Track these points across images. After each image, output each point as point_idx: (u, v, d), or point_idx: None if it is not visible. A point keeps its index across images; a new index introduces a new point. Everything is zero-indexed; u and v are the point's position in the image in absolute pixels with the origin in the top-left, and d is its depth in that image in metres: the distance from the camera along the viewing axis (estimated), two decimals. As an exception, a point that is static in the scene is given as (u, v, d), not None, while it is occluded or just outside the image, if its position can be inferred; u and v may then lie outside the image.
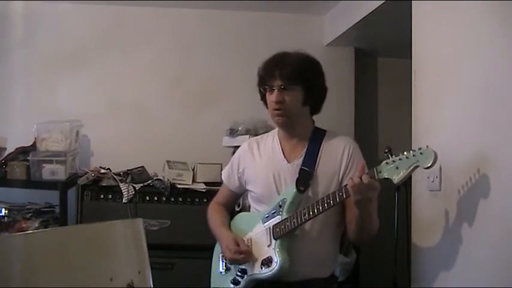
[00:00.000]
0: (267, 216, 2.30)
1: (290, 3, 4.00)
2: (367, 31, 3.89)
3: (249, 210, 2.50)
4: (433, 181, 2.42)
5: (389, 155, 2.04)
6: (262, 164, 2.39)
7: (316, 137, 2.36)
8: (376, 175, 2.04)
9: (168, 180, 3.59)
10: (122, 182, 3.52)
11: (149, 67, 4.14)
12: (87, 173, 3.56)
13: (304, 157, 2.31)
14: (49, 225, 3.50)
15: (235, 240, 2.32)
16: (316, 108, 2.38)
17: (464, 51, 2.31)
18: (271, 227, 2.26)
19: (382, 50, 4.47)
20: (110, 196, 3.50)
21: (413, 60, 2.64)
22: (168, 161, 3.74)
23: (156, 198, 3.53)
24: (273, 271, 2.19)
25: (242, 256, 2.27)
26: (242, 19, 4.21)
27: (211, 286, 2.49)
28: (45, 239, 1.23)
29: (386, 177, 2.03)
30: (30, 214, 3.51)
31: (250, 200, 2.48)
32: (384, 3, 3.30)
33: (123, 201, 3.46)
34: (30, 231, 2.70)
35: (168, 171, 3.66)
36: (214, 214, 2.53)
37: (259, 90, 2.37)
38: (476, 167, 2.15)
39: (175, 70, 4.16)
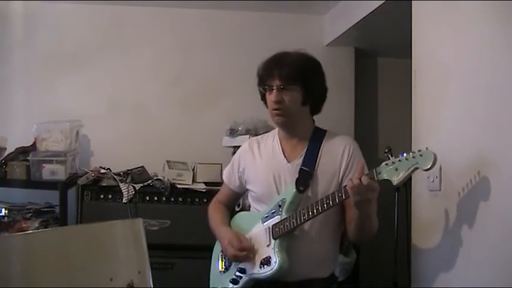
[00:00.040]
0: (267, 216, 2.30)
1: (290, 3, 4.00)
2: (367, 31, 3.89)
3: (249, 210, 2.50)
4: (433, 181, 2.42)
5: (389, 155, 2.04)
6: (263, 164, 2.39)
7: (317, 137, 2.35)
8: (375, 176, 2.05)
9: (168, 180, 3.59)
10: (122, 182, 3.52)
11: (149, 67, 4.14)
12: (87, 173, 3.56)
13: (304, 157, 2.31)
14: (49, 225, 3.51)
15: (238, 236, 2.32)
16: (316, 108, 2.37)
17: (465, 51, 2.31)
18: (271, 227, 2.26)
19: (382, 50, 4.47)
20: (110, 196, 3.50)
21: (413, 60, 2.64)
22: (168, 161, 3.74)
23: (156, 198, 3.53)
24: (272, 271, 2.19)
25: (245, 253, 2.27)
26: (242, 19, 4.21)
27: (211, 286, 2.49)
28: (45, 239, 1.24)
29: (385, 178, 2.03)
30: (30, 214, 3.51)
31: (250, 200, 2.48)
32: (383, 3, 3.30)
33: (123, 201, 3.46)
34: (30, 231, 2.70)
35: (168, 171, 3.66)
36: (214, 213, 2.53)
37: (259, 90, 2.37)
38: (476, 167, 2.15)
39: (176, 70, 4.16)
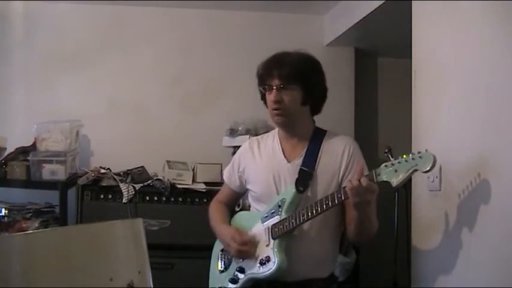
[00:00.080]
0: (266, 216, 2.30)
1: (290, 3, 4.00)
2: (367, 31, 3.89)
3: (249, 210, 2.50)
4: (433, 181, 2.42)
5: (389, 155, 2.04)
6: (263, 164, 2.39)
7: (317, 137, 2.35)
8: (374, 178, 2.05)
9: (168, 180, 3.59)
10: (122, 182, 3.52)
11: (149, 67, 4.14)
12: (87, 173, 3.56)
13: (304, 157, 2.31)
14: (49, 225, 3.50)
15: (239, 232, 2.32)
16: (316, 108, 2.37)
17: (465, 51, 2.31)
18: (270, 227, 2.26)
19: (382, 50, 4.47)
20: (110, 196, 3.50)
21: (413, 60, 2.64)
22: (168, 161, 3.74)
23: (156, 198, 3.53)
24: (270, 271, 2.19)
25: (247, 246, 2.27)
26: (242, 19, 4.21)
27: (210, 285, 2.49)
28: (45, 239, 1.23)
29: (385, 180, 2.04)
30: (30, 214, 3.51)
31: (250, 200, 2.48)
32: (384, 3, 3.30)
33: (123, 201, 3.46)
34: (30, 231, 2.70)
35: (168, 171, 3.66)
36: (215, 212, 2.53)
37: (260, 89, 2.37)
38: (476, 167, 2.15)
39: (176, 70, 4.16)
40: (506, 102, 2.05)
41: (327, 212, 2.17)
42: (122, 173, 3.61)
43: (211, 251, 2.53)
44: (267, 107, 2.35)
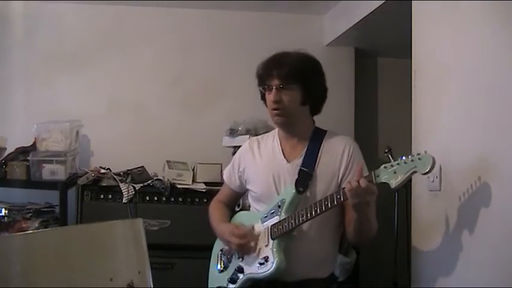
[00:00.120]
0: (266, 216, 2.30)
1: (290, 3, 4.00)
2: (367, 31, 3.89)
3: (249, 210, 2.50)
4: (433, 181, 2.41)
5: (389, 156, 2.04)
6: (263, 164, 2.39)
7: (317, 137, 2.35)
8: (374, 179, 2.05)
9: (168, 180, 3.59)
10: (122, 182, 3.52)
11: (149, 67, 4.14)
12: (87, 173, 3.56)
13: (304, 157, 2.30)
14: (49, 225, 3.50)
15: (238, 226, 2.33)
16: (316, 108, 2.37)
17: (465, 52, 2.31)
18: (270, 227, 2.26)
19: (382, 50, 4.47)
20: (110, 196, 3.50)
21: (413, 60, 2.64)
22: (168, 161, 3.74)
23: (156, 198, 3.53)
24: (269, 271, 2.19)
25: (247, 239, 2.26)
26: (242, 19, 4.21)
27: (209, 285, 2.49)
28: (45, 239, 1.24)
29: (384, 181, 2.04)
30: (30, 214, 3.51)
31: (250, 200, 2.48)
32: (384, 3, 3.30)
33: (123, 201, 3.46)
34: (30, 231, 2.70)
35: (168, 171, 3.66)
36: (215, 211, 2.53)
37: (260, 89, 2.37)
38: (476, 167, 2.15)
39: (176, 70, 4.16)
40: (507, 102, 2.05)
41: (327, 212, 2.17)
42: (122, 173, 3.60)
43: (211, 251, 2.53)
44: (266, 107, 2.35)
